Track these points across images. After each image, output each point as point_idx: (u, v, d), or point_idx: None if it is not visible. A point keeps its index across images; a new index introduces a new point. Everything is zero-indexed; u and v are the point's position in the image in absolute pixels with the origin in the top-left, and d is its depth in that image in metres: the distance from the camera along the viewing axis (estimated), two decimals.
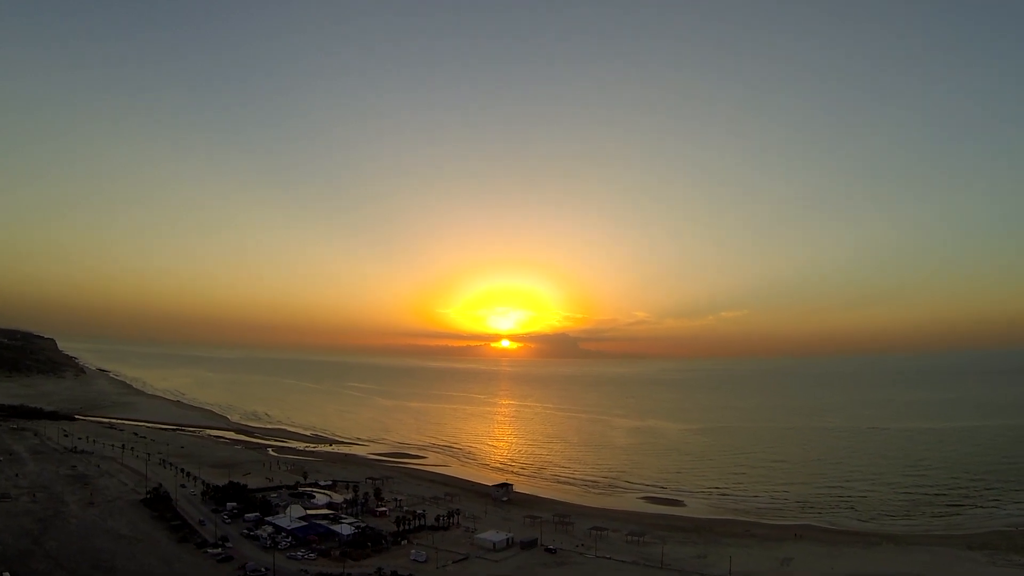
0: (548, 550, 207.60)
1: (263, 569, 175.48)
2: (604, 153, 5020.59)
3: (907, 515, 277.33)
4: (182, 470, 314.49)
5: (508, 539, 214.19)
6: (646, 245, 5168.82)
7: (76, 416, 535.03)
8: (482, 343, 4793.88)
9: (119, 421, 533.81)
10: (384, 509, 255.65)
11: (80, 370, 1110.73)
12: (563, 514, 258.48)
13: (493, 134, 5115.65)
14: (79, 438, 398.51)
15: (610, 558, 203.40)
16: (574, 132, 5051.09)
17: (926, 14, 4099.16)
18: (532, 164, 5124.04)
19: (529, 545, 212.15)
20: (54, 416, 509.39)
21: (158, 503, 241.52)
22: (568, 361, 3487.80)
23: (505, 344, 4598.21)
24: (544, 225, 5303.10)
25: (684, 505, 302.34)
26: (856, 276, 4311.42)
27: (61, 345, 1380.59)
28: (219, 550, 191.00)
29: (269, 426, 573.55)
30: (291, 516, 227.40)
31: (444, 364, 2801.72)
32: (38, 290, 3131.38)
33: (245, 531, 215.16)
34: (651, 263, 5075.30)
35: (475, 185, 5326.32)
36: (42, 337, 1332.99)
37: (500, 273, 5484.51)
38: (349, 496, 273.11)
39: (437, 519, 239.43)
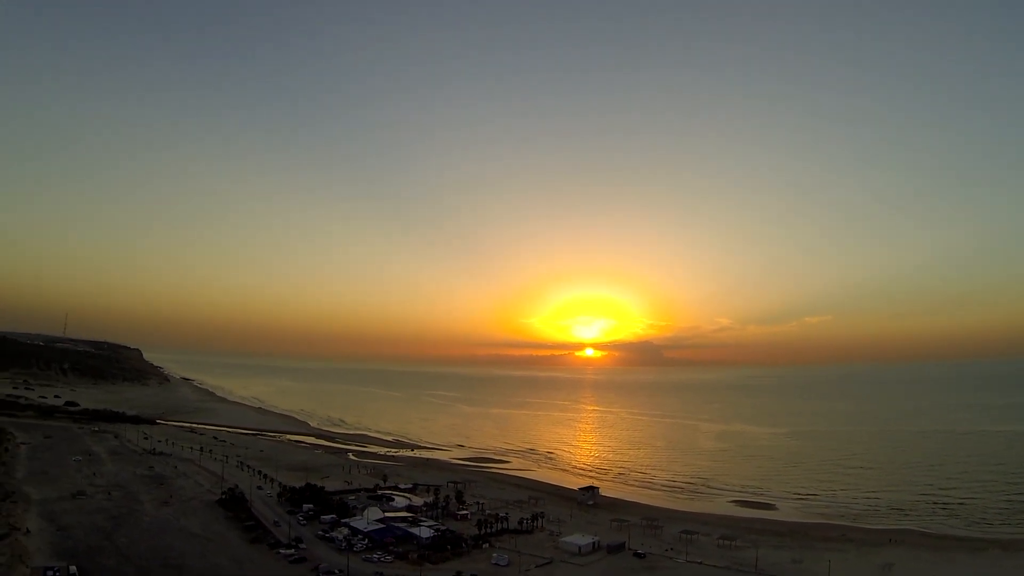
0: (637, 555, 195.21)
1: (337, 571, 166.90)
2: (682, 160, 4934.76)
3: (1013, 520, 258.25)
4: (259, 472, 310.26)
5: (594, 543, 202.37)
6: (727, 251, 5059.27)
7: (157, 420, 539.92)
8: (566, 352, 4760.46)
9: (199, 426, 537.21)
10: (465, 512, 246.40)
11: (164, 378, 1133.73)
12: (651, 518, 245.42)
13: (572, 144, 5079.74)
14: (158, 441, 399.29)
15: (701, 563, 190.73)
16: (652, 139, 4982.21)
17: (1014, 12, 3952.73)
18: (612, 173, 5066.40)
19: (616, 549, 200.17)
20: (136, 420, 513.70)
21: (233, 504, 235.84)
22: (652, 369, 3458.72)
23: (589, 353, 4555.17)
24: (626, 233, 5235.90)
25: (776, 509, 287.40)
26: (938, 280, 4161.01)
27: (147, 356, 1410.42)
28: (292, 551, 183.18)
29: (350, 432, 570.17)
30: (368, 518, 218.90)
31: (528, 373, 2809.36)
32: (127, 304, 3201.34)
33: (320, 533, 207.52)
34: (733, 269, 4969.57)
35: (556, 196, 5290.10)
36: (128, 348, 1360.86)
37: (583, 282, 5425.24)
38: (429, 499, 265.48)
39: (520, 522, 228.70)
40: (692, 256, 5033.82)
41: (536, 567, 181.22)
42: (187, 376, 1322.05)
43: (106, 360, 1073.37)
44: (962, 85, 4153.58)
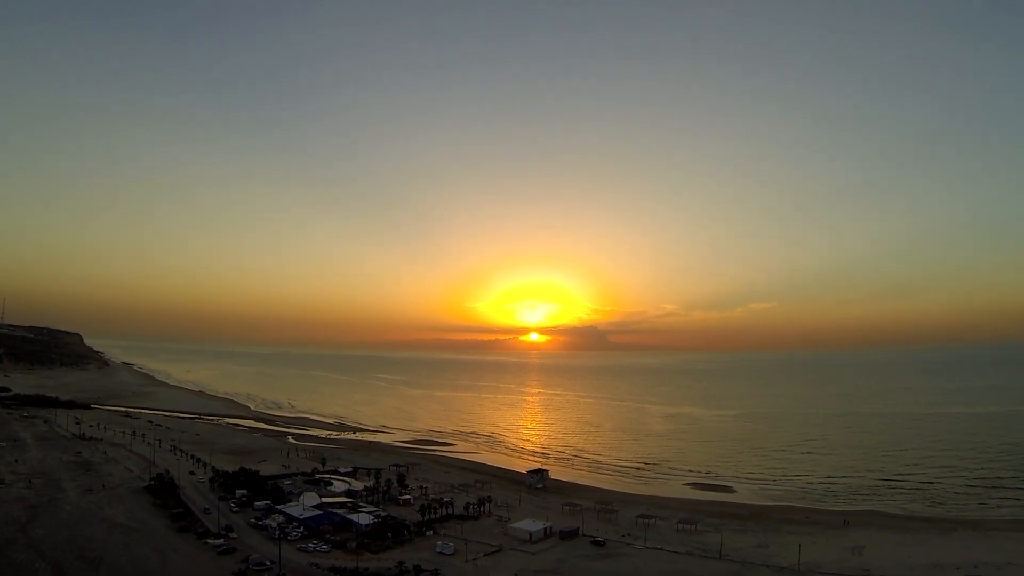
0: (596, 542, 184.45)
1: (268, 562, 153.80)
2: (630, 147, 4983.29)
3: (976, 500, 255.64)
4: (193, 457, 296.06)
5: (546, 529, 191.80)
6: (674, 237, 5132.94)
7: (92, 405, 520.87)
8: (511, 337, 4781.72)
9: (136, 410, 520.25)
10: (408, 497, 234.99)
11: (104, 363, 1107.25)
12: (605, 501, 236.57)
13: (519, 131, 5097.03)
14: (90, 425, 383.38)
15: (662, 548, 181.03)
16: (599, 128, 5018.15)
17: (954, 3, 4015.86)
18: (559, 160, 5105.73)
19: (570, 535, 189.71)
20: (70, 405, 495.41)
21: (162, 490, 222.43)
22: (597, 353, 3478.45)
23: (534, 337, 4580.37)
24: (572, 219, 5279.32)
25: (734, 492, 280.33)
26: (881, 267, 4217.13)
27: (88, 341, 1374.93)
28: (221, 541, 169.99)
29: (291, 415, 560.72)
30: (304, 504, 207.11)
31: (473, 357, 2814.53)
32: (69, 289, 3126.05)
33: (253, 520, 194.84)
34: (679, 255, 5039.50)
35: (503, 181, 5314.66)
36: (68, 333, 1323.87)
37: (529, 267, 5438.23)
38: (370, 483, 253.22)
39: (466, 508, 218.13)
40: (638, 241, 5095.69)
41: (484, 555, 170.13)
42: (128, 361, 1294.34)
43: (44, 345, 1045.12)
44: (905, 78, 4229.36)
